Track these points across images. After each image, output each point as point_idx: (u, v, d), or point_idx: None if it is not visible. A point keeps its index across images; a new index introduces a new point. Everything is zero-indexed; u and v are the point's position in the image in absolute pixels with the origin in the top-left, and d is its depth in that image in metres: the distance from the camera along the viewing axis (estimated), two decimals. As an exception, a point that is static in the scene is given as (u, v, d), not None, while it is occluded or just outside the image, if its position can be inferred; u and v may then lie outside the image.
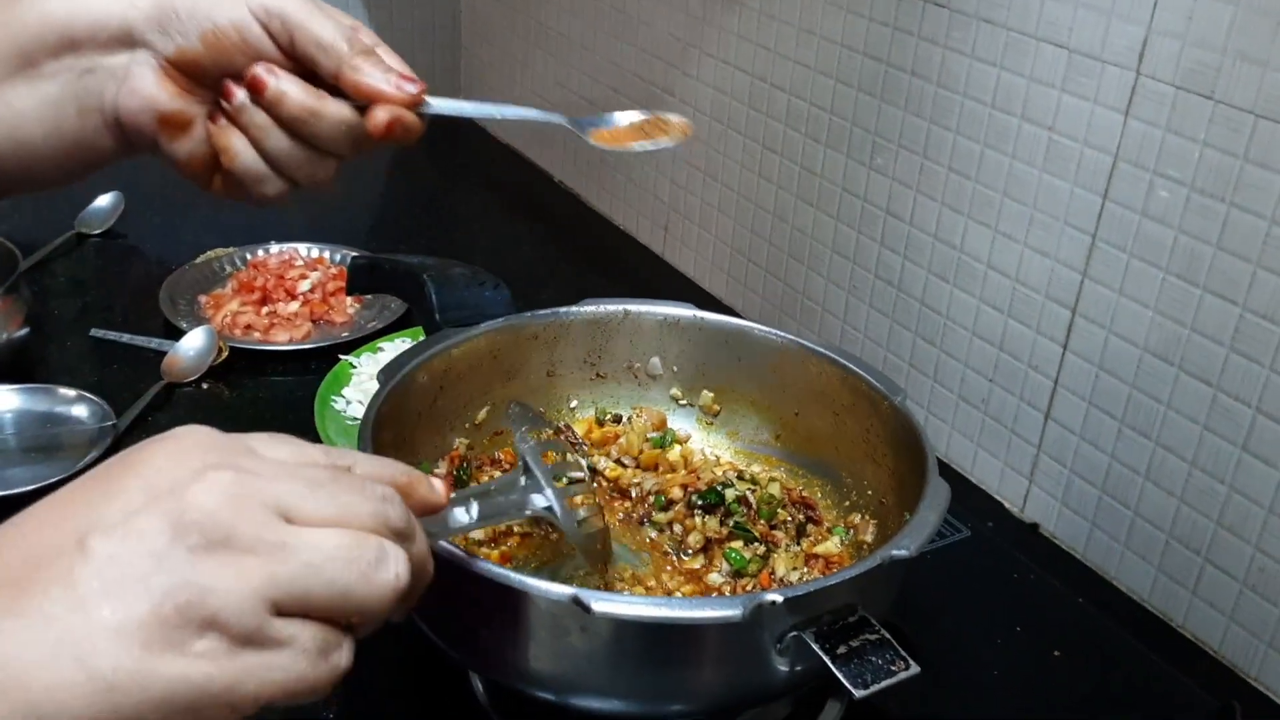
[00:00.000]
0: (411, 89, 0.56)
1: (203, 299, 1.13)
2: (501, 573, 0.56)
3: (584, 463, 0.70)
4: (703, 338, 0.82)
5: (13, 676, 0.35)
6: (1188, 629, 0.80)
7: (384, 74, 0.56)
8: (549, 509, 0.61)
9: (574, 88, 1.41)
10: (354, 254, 1.18)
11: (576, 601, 0.53)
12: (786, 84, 1.06)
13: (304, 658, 0.39)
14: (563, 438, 0.76)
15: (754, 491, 0.75)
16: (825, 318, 1.07)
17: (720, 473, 0.77)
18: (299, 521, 0.39)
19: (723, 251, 1.20)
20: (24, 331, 1.01)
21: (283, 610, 0.38)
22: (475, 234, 1.41)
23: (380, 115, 0.55)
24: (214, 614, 0.37)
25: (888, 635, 0.55)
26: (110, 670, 0.35)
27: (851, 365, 0.75)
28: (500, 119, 0.63)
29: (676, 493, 0.74)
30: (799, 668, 0.57)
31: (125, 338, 1.06)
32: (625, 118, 0.73)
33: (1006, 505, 0.93)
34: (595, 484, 0.76)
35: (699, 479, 0.75)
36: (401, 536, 0.43)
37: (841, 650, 0.54)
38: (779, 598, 0.54)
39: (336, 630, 0.40)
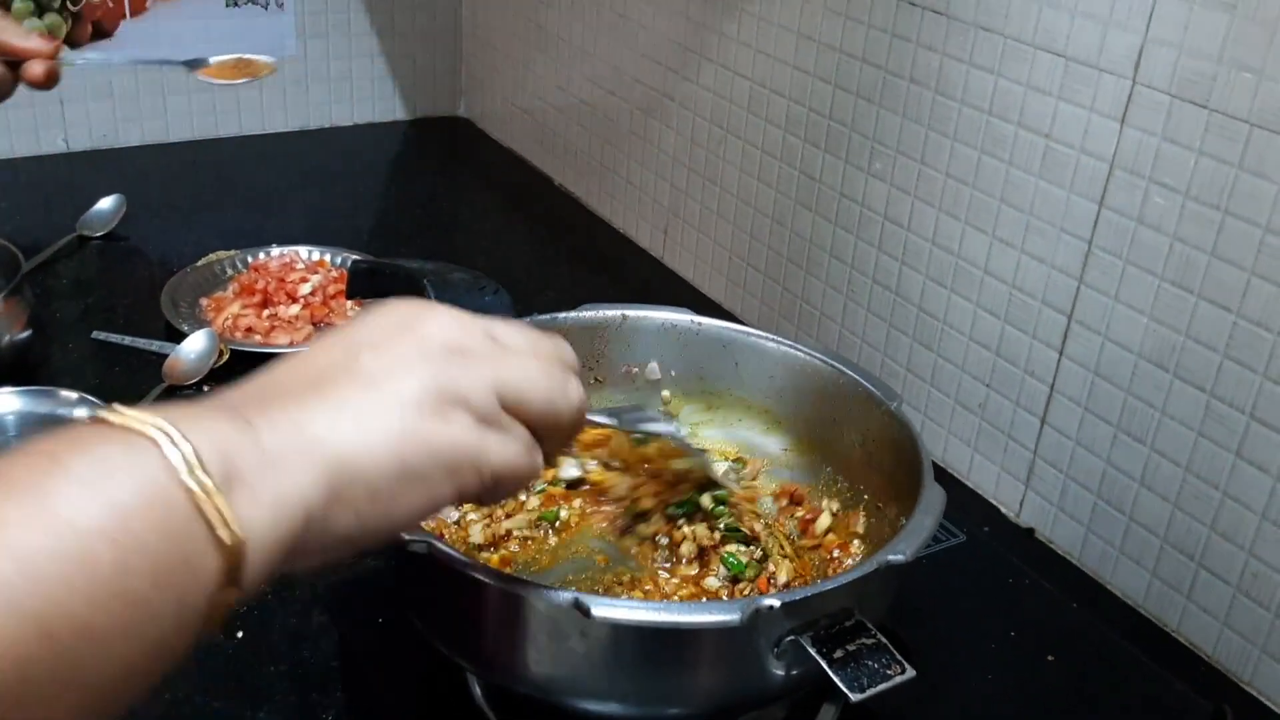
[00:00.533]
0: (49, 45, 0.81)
1: (204, 302, 1.14)
2: (501, 576, 0.57)
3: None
4: (700, 343, 0.82)
5: (321, 440, 0.42)
6: (1182, 634, 0.81)
7: (26, 34, 0.73)
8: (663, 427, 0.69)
9: (574, 91, 1.42)
10: (355, 257, 1.18)
11: (576, 605, 0.54)
12: (785, 89, 1.07)
13: (523, 446, 0.49)
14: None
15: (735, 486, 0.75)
16: (823, 321, 1.08)
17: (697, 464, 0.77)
18: (506, 345, 0.50)
19: (721, 255, 1.21)
20: (26, 334, 1.01)
21: (505, 405, 0.48)
22: (475, 236, 1.42)
23: (37, 68, 0.76)
24: (464, 396, 0.46)
25: (884, 640, 0.56)
26: (400, 429, 0.44)
27: (848, 370, 0.76)
28: (122, 64, 0.86)
29: (648, 503, 0.74)
30: (795, 671, 0.57)
31: (127, 340, 1.07)
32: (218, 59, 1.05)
33: (1002, 510, 0.93)
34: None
35: (675, 484, 0.75)
36: (575, 372, 0.53)
37: (838, 654, 0.55)
38: (776, 602, 0.55)
39: (538, 436, 0.50)
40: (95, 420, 0.39)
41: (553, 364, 0.51)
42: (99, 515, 0.35)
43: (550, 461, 0.53)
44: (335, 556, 0.44)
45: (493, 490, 0.49)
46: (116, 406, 0.39)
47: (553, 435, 0.51)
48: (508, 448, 0.48)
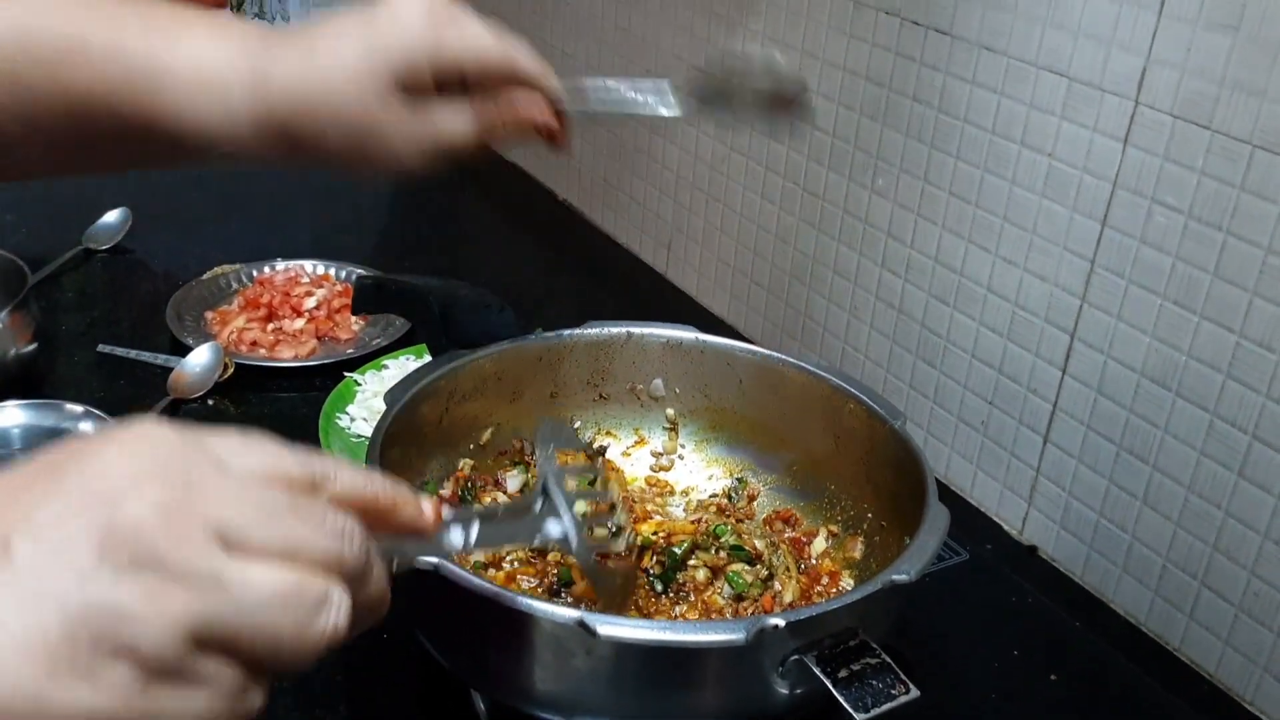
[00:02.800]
0: None
1: (209, 315, 1.14)
2: (507, 594, 0.57)
3: (615, 492, 0.64)
4: (704, 360, 0.82)
5: None
6: (1184, 653, 0.81)
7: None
8: (564, 539, 0.54)
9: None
10: (359, 271, 1.19)
11: (582, 624, 0.54)
12: (789, 107, 1.07)
13: (219, 699, 0.36)
14: (597, 462, 0.70)
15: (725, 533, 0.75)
16: (826, 338, 1.08)
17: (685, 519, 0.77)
18: (241, 551, 0.36)
19: (725, 272, 1.21)
20: (32, 347, 1.02)
21: (204, 647, 0.35)
22: (479, 251, 1.42)
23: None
24: (131, 643, 0.34)
25: (888, 659, 0.56)
26: (9, 692, 0.32)
27: (851, 389, 0.76)
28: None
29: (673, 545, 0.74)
30: (800, 691, 0.58)
31: (132, 353, 1.07)
32: None
33: (1005, 528, 0.93)
34: (629, 517, 0.68)
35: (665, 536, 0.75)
36: (354, 579, 0.39)
37: (843, 674, 0.55)
38: (781, 621, 0.55)
39: (255, 672, 0.37)
40: None
41: (306, 578, 0.37)
42: None
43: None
44: None
45: None
46: None
47: (285, 669, 0.37)
48: (187, 711, 0.35)
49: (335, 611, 0.38)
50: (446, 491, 0.76)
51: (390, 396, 0.72)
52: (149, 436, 0.37)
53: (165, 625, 0.34)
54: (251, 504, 0.37)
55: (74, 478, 0.36)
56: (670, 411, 0.84)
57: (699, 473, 0.84)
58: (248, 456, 0.40)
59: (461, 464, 0.78)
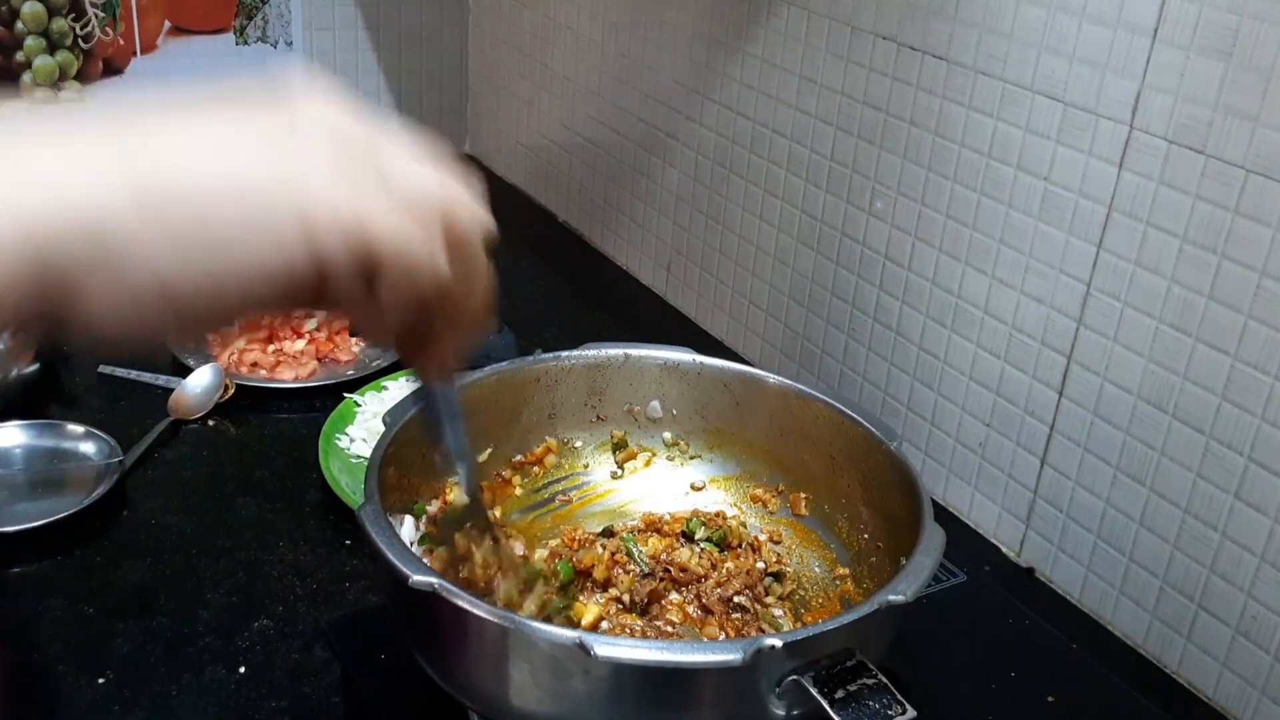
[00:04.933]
0: None
1: (210, 336, 1.14)
2: (504, 615, 0.57)
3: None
4: (702, 382, 0.83)
5: (125, 142, 0.35)
6: (1182, 675, 0.81)
7: None
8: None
9: (579, 130, 1.43)
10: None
11: (579, 645, 0.54)
12: (788, 130, 1.08)
13: (401, 221, 0.38)
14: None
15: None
16: (824, 360, 1.09)
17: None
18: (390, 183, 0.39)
19: (724, 293, 1.22)
20: (34, 368, 1.02)
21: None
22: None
23: None
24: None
25: (885, 680, 0.56)
26: (234, 149, 0.36)
27: (848, 410, 0.77)
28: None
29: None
30: (797, 712, 0.58)
31: (133, 374, 1.08)
32: None
33: (1003, 549, 0.94)
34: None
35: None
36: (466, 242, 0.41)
37: (839, 695, 0.55)
38: (778, 642, 0.55)
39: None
40: None
41: (431, 228, 0.39)
42: None
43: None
44: (148, 313, 0.35)
45: (378, 276, 0.37)
46: None
47: (450, 246, 0.39)
48: (384, 212, 0.37)
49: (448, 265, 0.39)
50: (433, 509, 0.76)
51: (390, 417, 0.72)
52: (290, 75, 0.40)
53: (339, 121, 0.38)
54: (403, 143, 0.41)
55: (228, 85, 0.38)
56: (668, 435, 0.84)
57: (700, 495, 0.84)
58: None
59: (448, 483, 0.78)
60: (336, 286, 0.37)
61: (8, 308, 0.33)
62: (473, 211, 0.41)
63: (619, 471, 0.84)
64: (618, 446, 0.84)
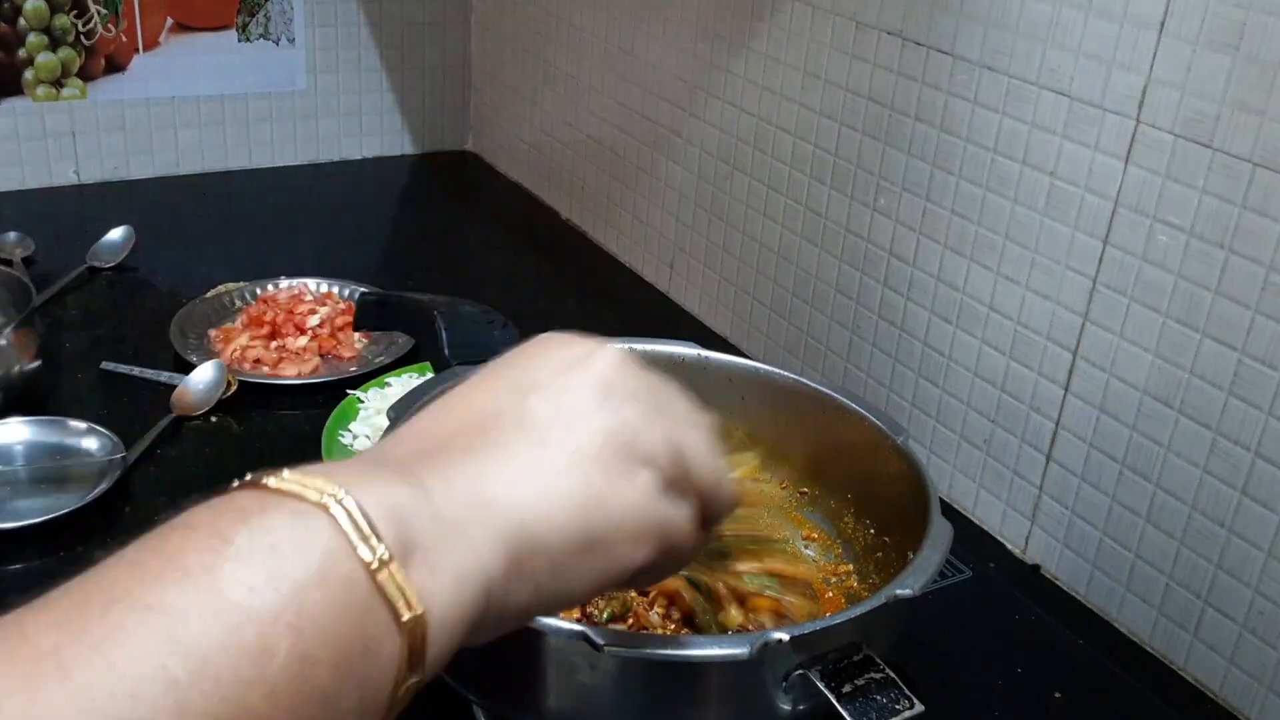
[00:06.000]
0: None
1: (212, 333, 1.14)
2: (510, 609, 0.57)
3: None
4: (706, 377, 0.82)
5: (498, 503, 0.38)
6: (1188, 671, 0.80)
7: None
8: None
9: (582, 127, 1.43)
10: (362, 289, 1.19)
11: (586, 639, 0.54)
12: (792, 126, 1.08)
13: (694, 522, 0.44)
14: None
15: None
16: (829, 357, 1.08)
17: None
18: (673, 406, 0.45)
19: (728, 290, 1.22)
20: (36, 364, 1.02)
21: (680, 473, 0.43)
22: (482, 269, 1.43)
23: None
24: (648, 452, 0.42)
25: (892, 674, 0.56)
26: (583, 490, 0.40)
27: (854, 405, 0.76)
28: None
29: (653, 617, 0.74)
30: (804, 706, 0.57)
31: (135, 371, 1.07)
32: None
33: (1008, 546, 0.93)
34: None
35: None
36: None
37: (847, 689, 0.55)
38: (785, 636, 0.55)
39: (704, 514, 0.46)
40: (252, 484, 0.35)
41: (713, 437, 0.46)
42: (273, 597, 0.31)
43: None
44: (505, 632, 0.40)
45: (663, 566, 0.44)
46: (280, 473, 0.35)
47: (711, 516, 0.46)
48: (685, 522, 0.43)
49: (730, 470, 0.48)
50: None
51: (393, 412, 0.72)
52: (557, 336, 0.47)
53: (662, 439, 0.42)
54: (655, 375, 0.46)
55: (525, 369, 0.44)
56: None
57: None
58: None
59: None
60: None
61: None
62: (727, 494, 0.48)
63: None
64: None
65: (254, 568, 0.31)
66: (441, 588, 0.35)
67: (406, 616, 0.34)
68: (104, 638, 0.29)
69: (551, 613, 0.41)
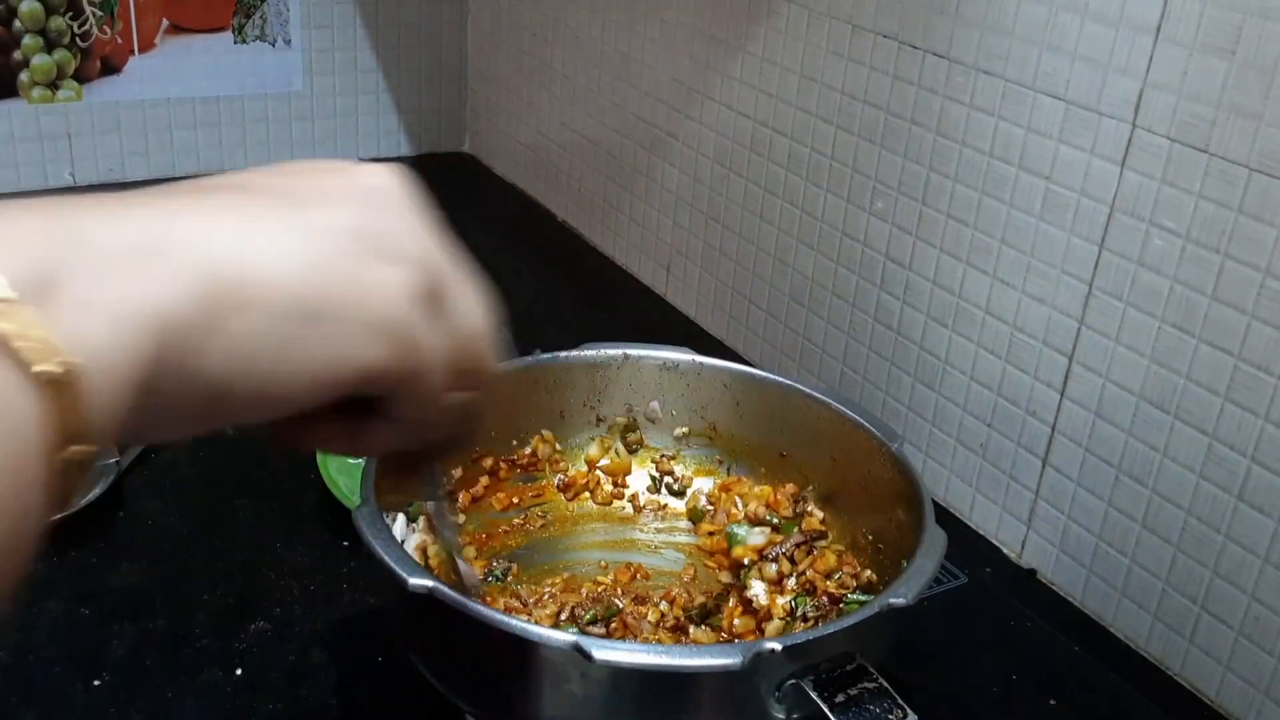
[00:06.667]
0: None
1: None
2: (502, 618, 0.57)
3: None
4: (701, 382, 0.82)
5: (194, 242, 0.32)
6: (1185, 677, 0.80)
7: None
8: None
9: (578, 129, 1.43)
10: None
11: (577, 648, 0.54)
12: (788, 129, 1.08)
13: (442, 358, 0.38)
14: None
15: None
16: (825, 360, 1.08)
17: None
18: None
19: (724, 293, 1.21)
20: (30, 367, 1.01)
21: (432, 286, 0.38)
22: (477, 271, 1.43)
23: None
24: (401, 253, 0.37)
25: (885, 683, 0.56)
26: (317, 253, 0.34)
27: (849, 411, 0.76)
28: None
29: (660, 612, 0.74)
30: (796, 716, 0.57)
31: (130, 374, 1.07)
32: None
33: (1004, 551, 0.93)
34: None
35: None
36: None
37: (839, 699, 0.55)
38: (778, 646, 0.54)
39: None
40: None
41: (487, 304, 0.41)
42: None
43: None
44: (198, 422, 0.33)
45: (403, 402, 0.38)
46: None
47: (463, 370, 0.39)
48: (434, 342, 0.37)
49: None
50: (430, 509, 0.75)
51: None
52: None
53: (421, 253, 0.37)
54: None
55: (287, 165, 0.38)
56: (683, 430, 0.83)
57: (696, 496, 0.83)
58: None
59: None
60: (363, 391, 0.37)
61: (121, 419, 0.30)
62: (489, 364, 0.41)
63: (625, 449, 0.84)
64: (627, 429, 0.83)
65: None
66: (95, 328, 0.29)
67: (41, 367, 0.27)
68: None
69: (267, 402, 0.33)
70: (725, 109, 1.16)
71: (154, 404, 0.31)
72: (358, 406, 0.38)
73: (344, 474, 0.93)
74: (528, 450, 0.81)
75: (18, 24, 1.39)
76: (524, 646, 0.56)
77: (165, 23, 1.48)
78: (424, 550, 0.70)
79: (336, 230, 0.35)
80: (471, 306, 0.40)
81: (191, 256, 0.31)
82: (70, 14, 1.41)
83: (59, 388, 0.28)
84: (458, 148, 1.73)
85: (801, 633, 0.59)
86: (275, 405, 0.34)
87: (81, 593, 0.82)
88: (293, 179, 0.37)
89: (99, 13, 1.43)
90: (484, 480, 0.80)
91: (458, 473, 0.78)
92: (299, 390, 0.34)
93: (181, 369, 0.31)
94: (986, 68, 0.86)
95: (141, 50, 1.47)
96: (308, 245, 0.34)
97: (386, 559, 0.59)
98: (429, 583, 0.57)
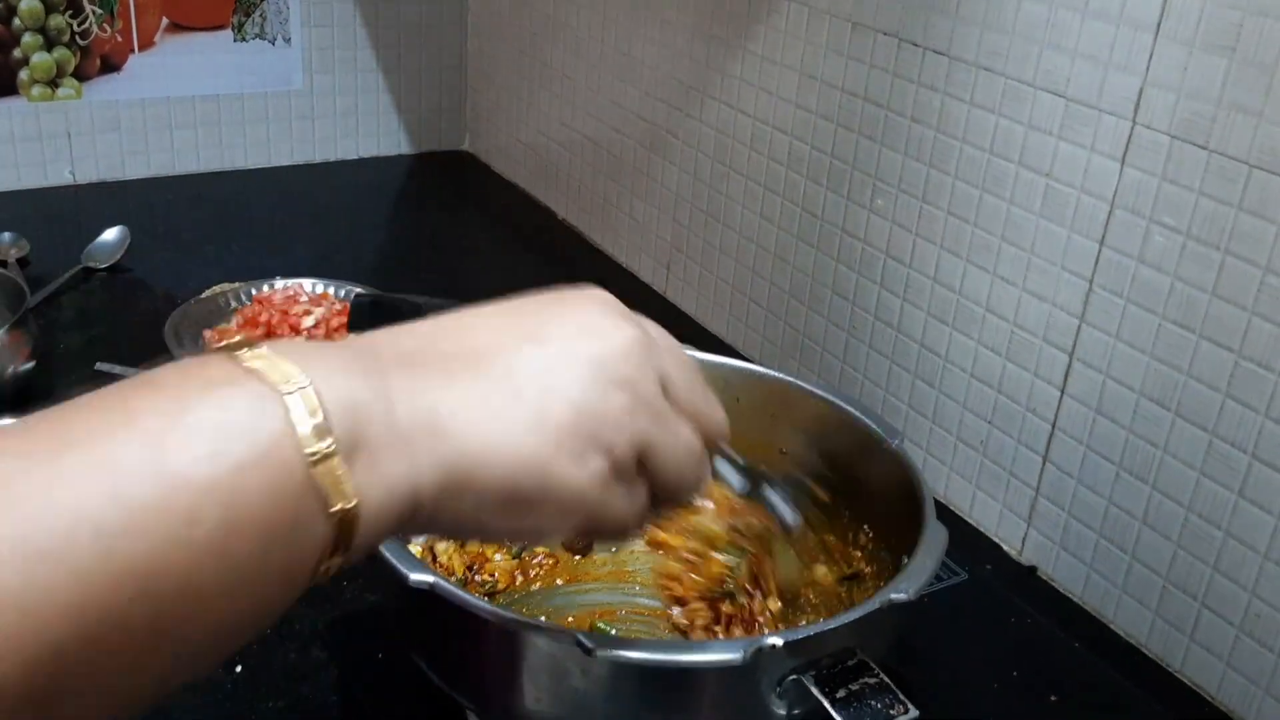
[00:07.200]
0: None
1: (207, 334, 1.14)
2: (503, 614, 0.57)
3: None
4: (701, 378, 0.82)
5: (451, 432, 0.39)
6: (1185, 674, 0.80)
7: None
8: None
9: (578, 128, 1.43)
10: (358, 290, 1.19)
11: (578, 644, 0.54)
12: (788, 127, 1.08)
13: (637, 511, 0.45)
14: None
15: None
16: (825, 358, 1.08)
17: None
18: (672, 398, 0.45)
19: (724, 291, 1.21)
20: (30, 365, 1.01)
21: (641, 463, 0.44)
22: (478, 270, 1.43)
23: None
24: (610, 444, 0.42)
25: (886, 679, 0.56)
26: (533, 453, 0.41)
27: (849, 407, 0.76)
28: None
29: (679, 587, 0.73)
30: (797, 711, 0.57)
31: (130, 371, 1.06)
32: None
33: (1004, 548, 0.93)
34: None
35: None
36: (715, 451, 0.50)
37: (841, 694, 0.55)
38: (779, 641, 0.54)
39: (658, 498, 0.47)
40: (228, 354, 0.37)
41: (700, 440, 0.47)
42: (210, 471, 0.33)
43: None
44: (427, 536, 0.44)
45: (587, 538, 0.48)
46: (260, 347, 0.37)
47: (664, 506, 0.48)
48: (624, 511, 0.45)
49: (708, 471, 0.49)
50: None
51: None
52: (607, 296, 0.47)
53: (630, 435, 0.43)
54: (681, 365, 0.47)
55: (567, 315, 0.45)
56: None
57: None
58: (664, 333, 0.49)
59: None
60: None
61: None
62: (721, 427, 0.50)
63: None
64: None
65: (201, 441, 0.34)
66: (375, 490, 0.37)
67: (336, 507, 0.36)
68: (53, 478, 0.32)
69: (467, 539, 0.45)
70: (725, 107, 1.16)
71: (392, 536, 0.41)
72: None
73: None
74: None
75: (17, 22, 1.39)
76: (525, 642, 0.56)
77: (165, 21, 1.48)
78: (430, 549, 0.70)
79: (553, 424, 0.41)
80: (673, 460, 0.45)
81: (447, 446, 0.39)
82: (70, 12, 1.41)
83: (342, 523, 0.37)
84: (458, 146, 1.73)
85: (803, 628, 0.59)
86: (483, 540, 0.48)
87: (82, 590, 0.82)
88: (536, 351, 0.43)
89: (99, 11, 1.43)
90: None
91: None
92: (500, 537, 0.47)
93: (423, 520, 0.40)
94: (987, 65, 0.86)
95: (141, 48, 1.47)
96: (526, 441, 0.41)
97: (387, 555, 0.59)
98: (430, 578, 0.57)
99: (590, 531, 0.45)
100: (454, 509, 0.40)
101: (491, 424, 0.40)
